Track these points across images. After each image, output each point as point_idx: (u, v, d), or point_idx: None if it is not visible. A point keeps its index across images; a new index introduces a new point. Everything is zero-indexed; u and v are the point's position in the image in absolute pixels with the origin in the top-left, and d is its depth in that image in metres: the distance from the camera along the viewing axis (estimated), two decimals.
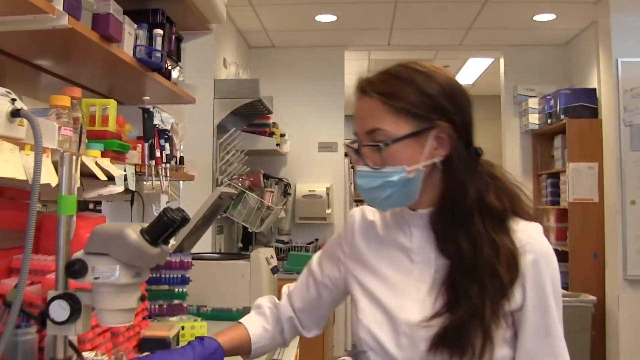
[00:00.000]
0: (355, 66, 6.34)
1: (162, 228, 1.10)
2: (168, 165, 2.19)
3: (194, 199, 3.32)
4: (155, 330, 1.86)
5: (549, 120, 5.16)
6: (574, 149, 4.80)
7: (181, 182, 3.19)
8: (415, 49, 5.79)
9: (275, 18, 4.83)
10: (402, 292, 1.21)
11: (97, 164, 1.74)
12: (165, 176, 2.15)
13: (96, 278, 1.09)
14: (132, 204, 2.26)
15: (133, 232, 1.07)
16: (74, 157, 1.27)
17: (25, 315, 1.41)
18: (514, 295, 1.15)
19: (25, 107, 1.40)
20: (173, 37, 2.36)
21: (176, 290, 2.17)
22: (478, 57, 6.34)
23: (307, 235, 5.27)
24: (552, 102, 5.11)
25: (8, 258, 1.62)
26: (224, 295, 2.41)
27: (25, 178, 1.34)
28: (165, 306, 2.11)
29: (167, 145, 2.19)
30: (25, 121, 1.40)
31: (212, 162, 3.87)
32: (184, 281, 2.17)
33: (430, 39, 5.50)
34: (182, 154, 2.50)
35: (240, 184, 3.77)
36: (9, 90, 1.40)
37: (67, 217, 1.19)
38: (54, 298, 1.12)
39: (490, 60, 6.32)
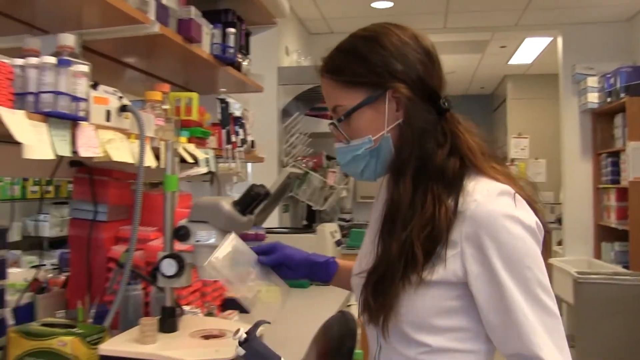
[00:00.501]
0: None
1: (249, 200, 1.35)
2: (242, 148, 2.46)
3: (260, 180, 3.59)
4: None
5: (608, 99, 5.14)
6: (634, 127, 4.78)
7: (249, 164, 3.47)
8: (471, 31, 5.87)
9: (334, 6, 5.03)
10: (369, 245, 1.23)
11: (184, 149, 2.02)
12: (240, 159, 2.43)
13: (197, 241, 1.35)
14: (211, 184, 2.54)
15: (227, 204, 1.33)
16: (170, 144, 1.54)
17: (135, 275, 1.71)
18: (446, 265, 1.07)
19: (129, 103, 1.69)
20: (243, 33, 2.62)
21: None
22: (535, 37, 6.33)
23: (368, 213, 5.44)
24: (612, 80, 5.09)
25: (115, 229, 1.92)
26: None
27: (133, 161, 1.63)
28: None
29: (241, 131, 2.46)
30: (129, 114, 1.68)
31: (277, 145, 4.14)
32: None
33: (487, 20, 5.56)
34: (252, 139, 2.77)
35: (304, 165, 4.03)
36: (115, 89, 1.68)
37: (171, 193, 1.47)
38: (164, 257, 1.39)
39: (549, 39, 6.31)
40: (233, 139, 2.37)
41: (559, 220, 6.46)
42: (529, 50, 6.95)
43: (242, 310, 2.01)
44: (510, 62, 7.52)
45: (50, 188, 4.20)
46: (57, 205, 4.51)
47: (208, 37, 2.23)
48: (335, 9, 5.12)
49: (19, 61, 1.35)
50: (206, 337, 1.43)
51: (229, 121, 2.35)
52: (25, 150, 1.25)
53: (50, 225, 4.51)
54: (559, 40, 5.76)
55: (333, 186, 4.07)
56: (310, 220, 4.50)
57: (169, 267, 1.39)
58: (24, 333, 1.43)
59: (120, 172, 1.95)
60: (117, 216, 1.93)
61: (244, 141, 2.49)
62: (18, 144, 1.77)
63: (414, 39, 1.18)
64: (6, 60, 1.30)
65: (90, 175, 1.89)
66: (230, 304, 2.03)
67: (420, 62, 1.16)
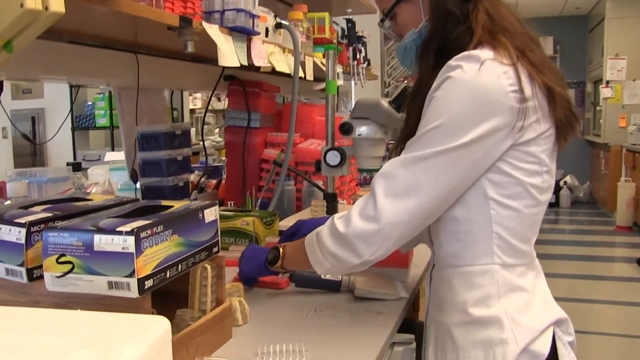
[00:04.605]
0: None
1: (402, 100, 1.56)
2: (364, 65, 2.66)
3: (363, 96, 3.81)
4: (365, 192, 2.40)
5: None
6: None
7: (352, 81, 3.67)
8: None
9: None
10: None
11: (322, 63, 2.24)
12: (364, 74, 2.63)
13: (359, 135, 1.57)
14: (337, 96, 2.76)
15: (385, 102, 1.54)
16: (332, 53, 1.77)
17: (291, 172, 1.98)
18: None
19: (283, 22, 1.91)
20: None
21: None
22: None
23: None
24: None
25: (265, 135, 2.19)
26: None
27: (289, 72, 1.87)
28: (368, 177, 2.65)
29: (363, 49, 2.65)
30: (281, 30, 1.91)
31: (380, 66, 4.32)
32: None
33: None
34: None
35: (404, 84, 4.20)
36: (268, 8, 1.90)
37: (332, 95, 1.70)
38: (328, 150, 1.64)
39: None
40: (357, 56, 2.57)
41: None
42: None
43: None
44: None
45: None
46: None
47: None
48: None
49: None
50: None
51: (355, 39, 2.54)
52: (221, 58, 1.50)
53: None
54: None
55: None
56: None
57: (333, 158, 1.63)
58: None
59: (267, 84, 2.20)
60: (265, 123, 2.20)
61: (365, 59, 2.68)
62: (184, 60, 2.04)
63: None
64: None
65: (243, 87, 2.15)
66: None
67: None
